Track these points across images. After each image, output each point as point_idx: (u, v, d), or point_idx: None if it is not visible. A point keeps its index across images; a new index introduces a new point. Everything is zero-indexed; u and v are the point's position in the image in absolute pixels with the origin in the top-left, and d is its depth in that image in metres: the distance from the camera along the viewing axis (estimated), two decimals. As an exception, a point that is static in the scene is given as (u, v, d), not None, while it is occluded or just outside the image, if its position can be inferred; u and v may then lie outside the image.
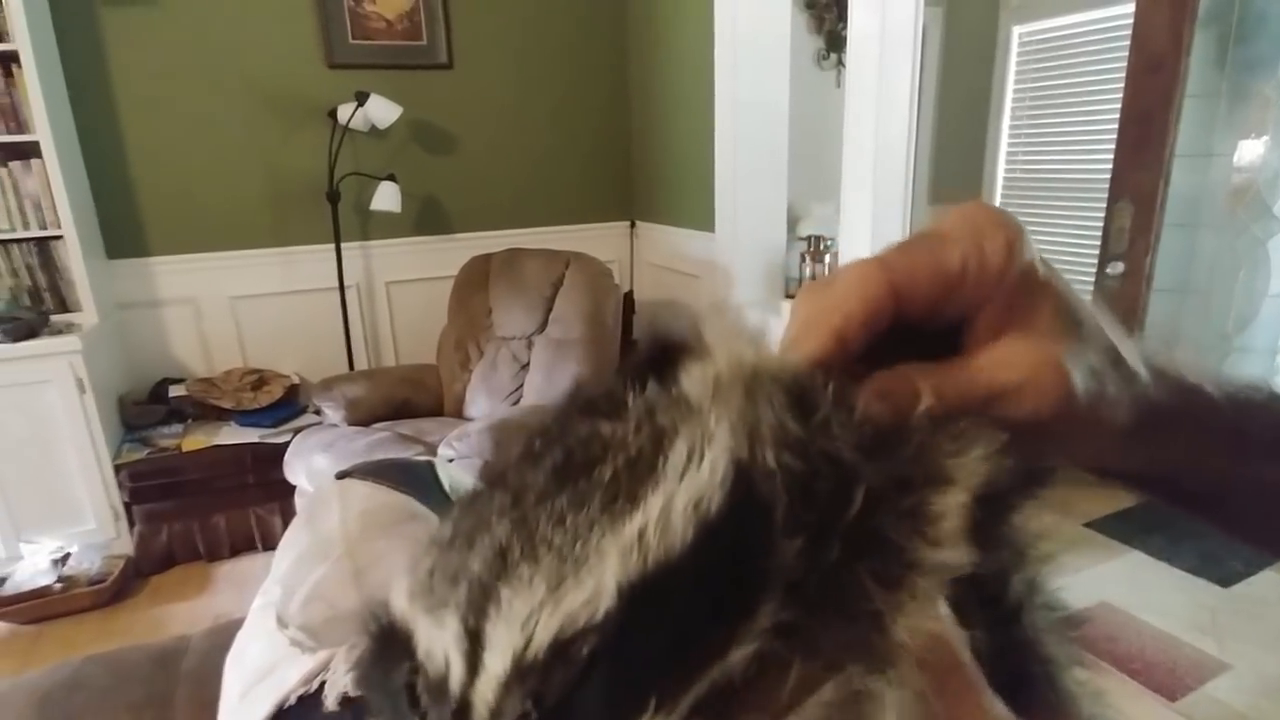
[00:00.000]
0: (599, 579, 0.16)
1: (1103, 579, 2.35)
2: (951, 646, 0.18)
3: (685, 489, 0.16)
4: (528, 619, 0.16)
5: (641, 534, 0.16)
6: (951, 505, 0.18)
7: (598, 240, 3.46)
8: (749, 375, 0.19)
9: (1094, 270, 2.30)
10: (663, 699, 0.15)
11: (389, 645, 0.18)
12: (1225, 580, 2.33)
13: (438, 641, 0.17)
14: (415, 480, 0.99)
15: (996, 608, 0.21)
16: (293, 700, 0.80)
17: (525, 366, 2.77)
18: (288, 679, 0.82)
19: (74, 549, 2.52)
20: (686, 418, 0.18)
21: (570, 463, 0.18)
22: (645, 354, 0.22)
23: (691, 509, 0.16)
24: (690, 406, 0.19)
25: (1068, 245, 3.46)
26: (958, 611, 0.18)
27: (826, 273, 2.99)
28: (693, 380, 0.20)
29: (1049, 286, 0.23)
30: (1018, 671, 0.21)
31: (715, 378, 0.19)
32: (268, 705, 0.80)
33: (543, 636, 0.16)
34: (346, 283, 3.05)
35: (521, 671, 0.16)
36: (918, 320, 0.23)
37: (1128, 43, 2.24)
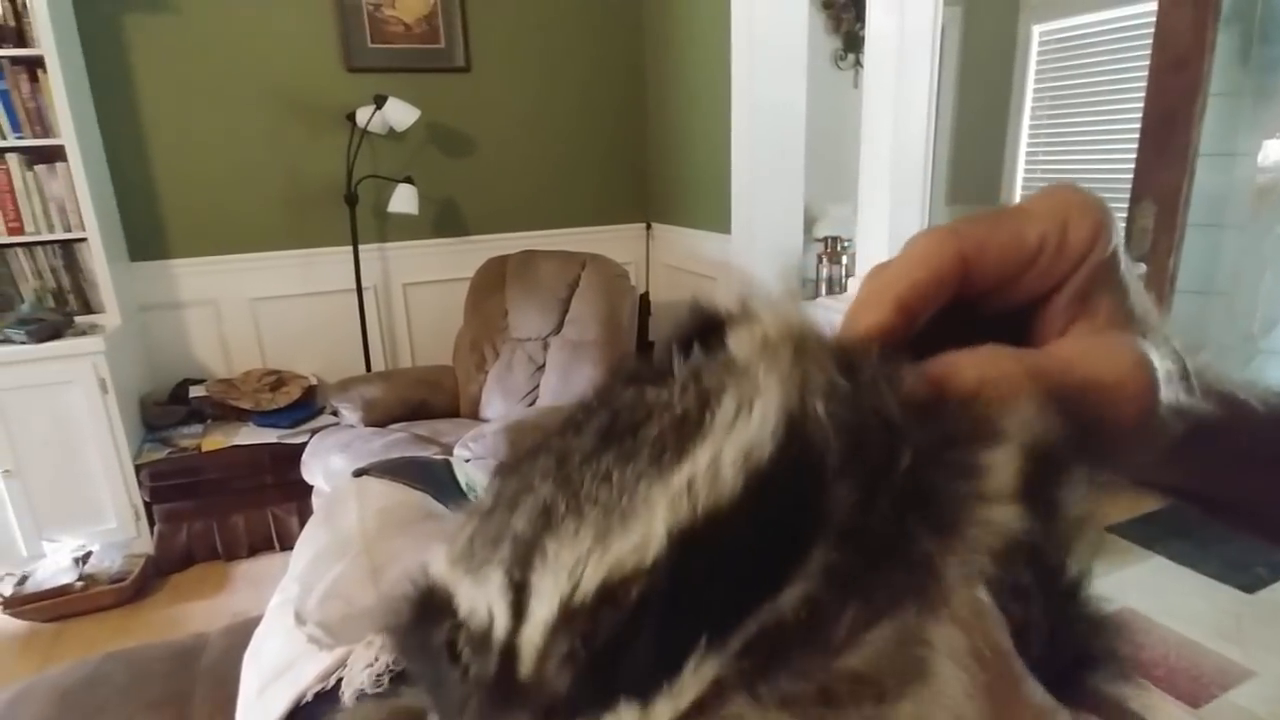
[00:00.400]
0: (648, 527, 0.16)
1: (1125, 584, 2.31)
2: (992, 631, 0.18)
3: (734, 441, 0.17)
4: (574, 566, 0.16)
5: (690, 483, 0.16)
6: (1001, 460, 0.17)
7: (613, 242, 3.46)
8: (798, 335, 0.19)
9: (1115, 271, 2.28)
10: (713, 639, 0.15)
11: (428, 609, 0.19)
12: (1250, 586, 2.29)
13: (480, 598, 0.17)
14: (432, 478, 1.00)
15: (1056, 580, 0.20)
16: (309, 697, 0.80)
17: (541, 368, 2.77)
18: (305, 676, 0.82)
19: (95, 547, 2.55)
20: (734, 377, 0.18)
21: (615, 424, 0.19)
22: (689, 325, 0.21)
23: (741, 459, 0.16)
24: (738, 366, 0.19)
25: (1088, 247, 3.42)
26: (1015, 586, 0.18)
27: (843, 274, 2.98)
28: (740, 342, 0.20)
29: (1127, 282, 0.23)
30: (1078, 649, 0.21)
31: (763, 337, 0.19)
32: (285, 702, 0.81)
33: (590, 582, 0.16)
34: (364, 284, 3.06)
35: (569, 615, 0.16)
36: (984, 296, 0.22)
37: (1149, 41, 2.21)
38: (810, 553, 0.16)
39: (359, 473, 1.04)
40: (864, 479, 0.16)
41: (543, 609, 0.16)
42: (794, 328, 0.19)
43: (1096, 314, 0.22)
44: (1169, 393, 0.22)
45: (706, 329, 0.21)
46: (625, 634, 0.15)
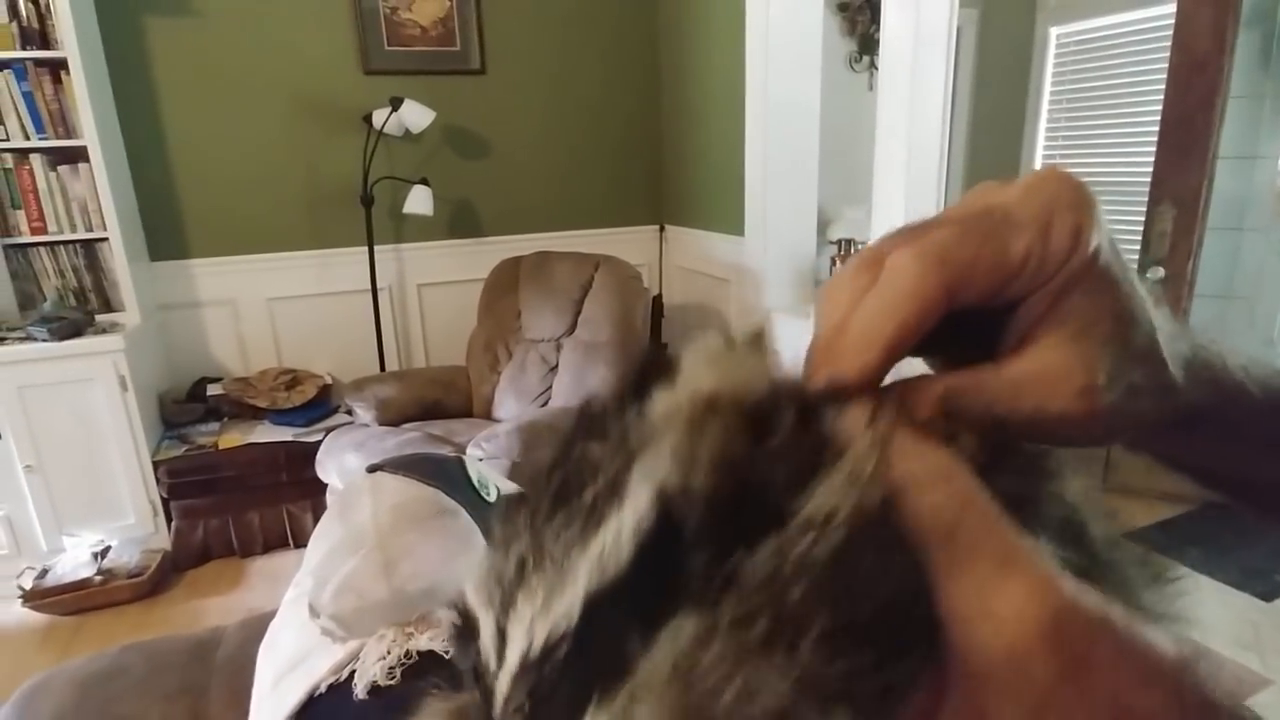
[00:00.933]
0: (574, 591, 0.18)
1: (1141, 591, 2.29)
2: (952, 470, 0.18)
3: (631, 511, 0.18)
4: (530, 624, 0.19)
5: (601, 553, 0.18)
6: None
7: (627, 244, 3.47)
8: (704, 403, 0.20)
9: (1133, 275, 2.26)
10: (603, 693, 0.17)
11: (467, 629, 0.21)
12: (1268, 594, 2.27)
13: (486, 633, 0.20)
14: (445, 475, 1.00)
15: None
16: (323, 689, 0.81)
17: (554, 369, 2.78)
18: (318, 668, 0.83)
19: (114, 543, 2.58)
20: (649, 442, 0.20)
21: (566, 484, 0.21)
22: (636, 373, 0.23)
23: (633, 530, 0.18)
24: (654, 431, 0.20)
25: (1106, 250, 3.39)
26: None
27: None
28: (658, 405, 0.21)
29: (1106, 277, 0.22)
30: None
31: (672, 404, 0.21)
32: (299, 694, 0.82)
33: (539, 640, 0.18)
34: (379, 285, 3.09)
35: (526, 668, 0.18)
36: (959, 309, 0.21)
37: (1168, 43, 2.20)
38: (675, 614, 0.17)
39: (373, 468, 1.05)
40: (724, 546, 0.18)
41: (512, 657, 0.19)
42: (701, 395, 0.20)
43: (1065, 319, 0.21)
44: (1129, 406, 0.22)
45: (652, 378, 0.22)
46: (553, 689, 0.18)
